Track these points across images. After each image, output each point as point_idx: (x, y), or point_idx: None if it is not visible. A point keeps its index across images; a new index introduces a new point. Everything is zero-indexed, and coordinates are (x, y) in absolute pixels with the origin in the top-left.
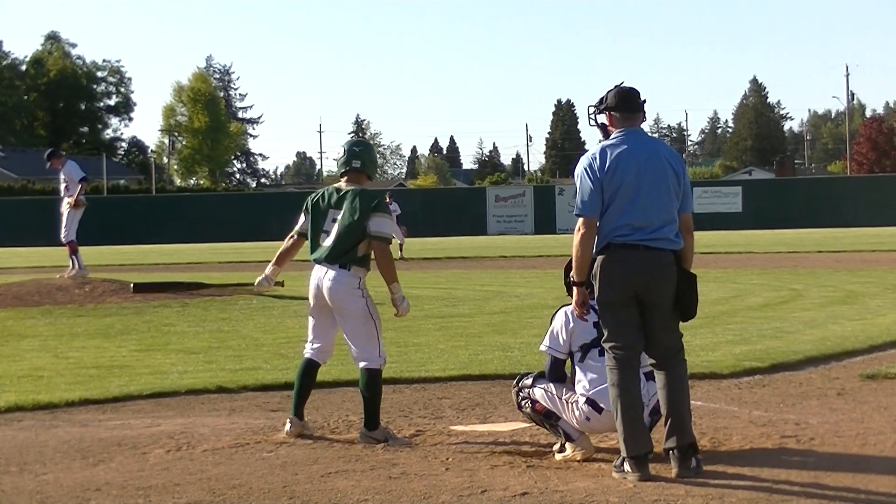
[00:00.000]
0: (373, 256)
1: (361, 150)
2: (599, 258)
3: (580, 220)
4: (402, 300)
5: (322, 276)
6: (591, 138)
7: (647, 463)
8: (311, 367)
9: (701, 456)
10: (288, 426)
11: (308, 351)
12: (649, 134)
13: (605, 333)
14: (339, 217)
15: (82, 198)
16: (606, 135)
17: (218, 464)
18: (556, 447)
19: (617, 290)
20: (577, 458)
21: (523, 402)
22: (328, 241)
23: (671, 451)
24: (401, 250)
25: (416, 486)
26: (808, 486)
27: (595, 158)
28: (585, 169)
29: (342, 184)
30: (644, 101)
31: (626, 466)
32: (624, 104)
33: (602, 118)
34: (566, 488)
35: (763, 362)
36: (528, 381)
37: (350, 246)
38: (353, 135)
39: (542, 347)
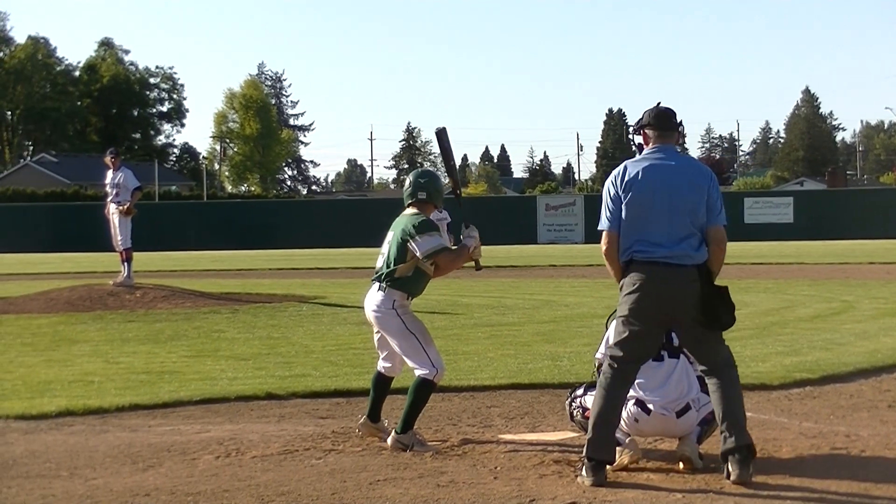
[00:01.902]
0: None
1: (427, 182)
2: (626, 274)
3: (603, 233)
4: (470, 242)
5: (366, 294)
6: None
7: (604, 471)
8: (380, 378)
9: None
10: (359, 423)
11: (378, 364)
12: (680, 152)
13: (612, 341)
14: (391, 239)
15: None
16: (641, 152)
17: (267, 470)
18: None
19: (637, 306)
20: (624, 462)
21: (575, 412)
22: (379, 262)
23: (729, 455)
24: None
25: (464, 494)
26: (859, 497)
27: (617, 174)
28: (608, 184)
29: (407, 210)
30: (680, 122)
31: (584, 471)
32: (657, 122)
33: (639, 138)
34: (615, 498)
35: (813, 374)
36: (580, 392)
37: (391, 266)
38: (403, 142)
39: (598, 355)
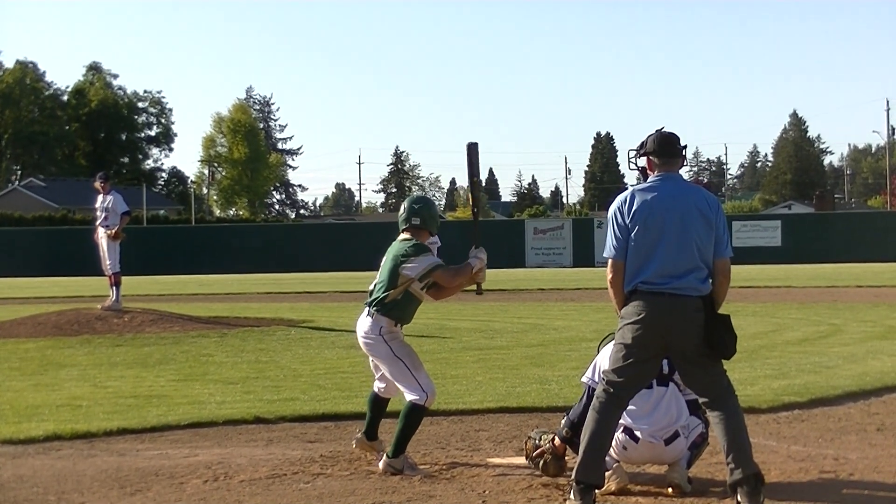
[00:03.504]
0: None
1: (421, 208)
2: (629, 302)
3: (609, 262)
4: (475, 262)
5: (358, 319)
6: (630, 172)
7: (592, 495)
8: (376, 398)
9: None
10: (356, 438)
11: (374, 384)
12: (686, 179)
13: (610, 366)
14: (383, 263)
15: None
16: (645, 178)
17: (255, 494)
18: None
19: (639, 335)
20: (611, 489)
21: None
22: (371, 286)
23: (738, 487)
24: None
25: None
26: None
27: (624, 202)
28: (614, 212)
29: (401, 236)
30: (684, 147)
31: (572, 494)
32: (663, 149)
33: (642, 162)
34: None
35: (802, 397)
36: (533, 434)
37: (381, 291)
38: (391, 166)
39: (584, 379)
